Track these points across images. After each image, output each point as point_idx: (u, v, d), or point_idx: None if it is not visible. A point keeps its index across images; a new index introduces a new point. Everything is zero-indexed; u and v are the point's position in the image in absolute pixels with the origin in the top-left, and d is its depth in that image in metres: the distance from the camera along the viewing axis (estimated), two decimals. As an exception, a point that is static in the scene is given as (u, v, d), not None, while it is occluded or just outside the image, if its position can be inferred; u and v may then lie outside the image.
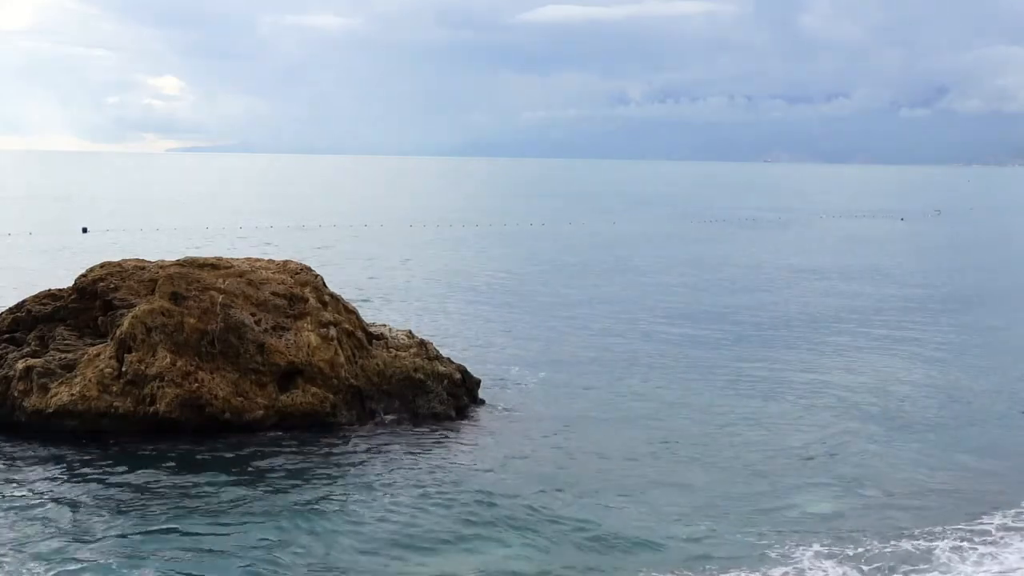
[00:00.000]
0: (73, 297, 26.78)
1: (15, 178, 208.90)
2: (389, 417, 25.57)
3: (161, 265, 26.78)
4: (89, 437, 23.12)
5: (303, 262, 28.53)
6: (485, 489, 20.63)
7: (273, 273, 26.48)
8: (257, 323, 24.73)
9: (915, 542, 18.72)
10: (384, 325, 28.99)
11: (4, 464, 21.80)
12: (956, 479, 22.30)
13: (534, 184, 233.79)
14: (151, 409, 23.22)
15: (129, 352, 23.94)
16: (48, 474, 21.17)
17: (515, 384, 29.59)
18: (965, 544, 18.76)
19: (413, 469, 21.95)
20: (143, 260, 27.99)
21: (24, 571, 16.49)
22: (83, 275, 27.13)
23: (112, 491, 20.24)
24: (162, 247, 58.93)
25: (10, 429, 23.87)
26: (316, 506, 19.64)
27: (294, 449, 23.12)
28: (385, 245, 71.72)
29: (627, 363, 33.09)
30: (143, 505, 19.49)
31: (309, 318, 25.38)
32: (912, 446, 24.48)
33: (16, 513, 18.94)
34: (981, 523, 19.73)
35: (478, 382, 28.29)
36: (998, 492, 21.50)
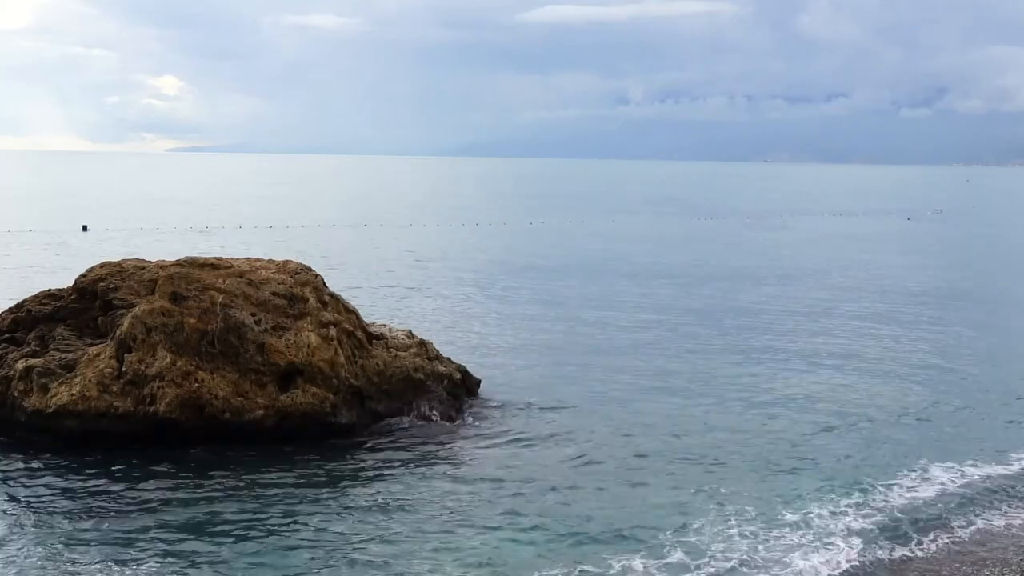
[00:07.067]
0: (73, 297, 26.77)
1: (15, 177, 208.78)
2: (389, 417, 25.57)
3: (161, 265, 26.77)
4: (88, 437, 23.10)
5: (303, 262, 28.53)
6: (486, 488, 20.66)
7: (273, 273, 26.48)
8: (257, 323, 24.72)
9: (915, 542, 18.80)
10: (384, 325, 28.99)
11: (3, 464, 21.81)
12: (961, 475, 22.45)
13: (534, 184, 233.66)
14: (151, 409, 23.20)
15: (129, 352, 23.93)
16: (47, 474, 21.17)
17: (516, 383, 29.59)
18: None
19: (413, 469, 21.96)
20: (143, 260, 27.98)
21: (22, 570, 16.50)
22: (83, 275, 27.11)
23: (112, 491, 20.24)
24: (162, 247, 58.98)
25: (10, 429, 23.87)
26: (315, 506, 19.65)
27: (293, 449, 23.13)
28: (385, 245, 71.73)
29: (628, 361, 33.09)
30: (143, 505, 19.50)
31: (309, 318, 25.37)
32: (912, 444, 24.57)
33: (15, 513, 18.95)
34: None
35: (478, 382, 28.30)
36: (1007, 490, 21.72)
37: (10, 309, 27.32)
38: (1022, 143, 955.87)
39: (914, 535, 19.07)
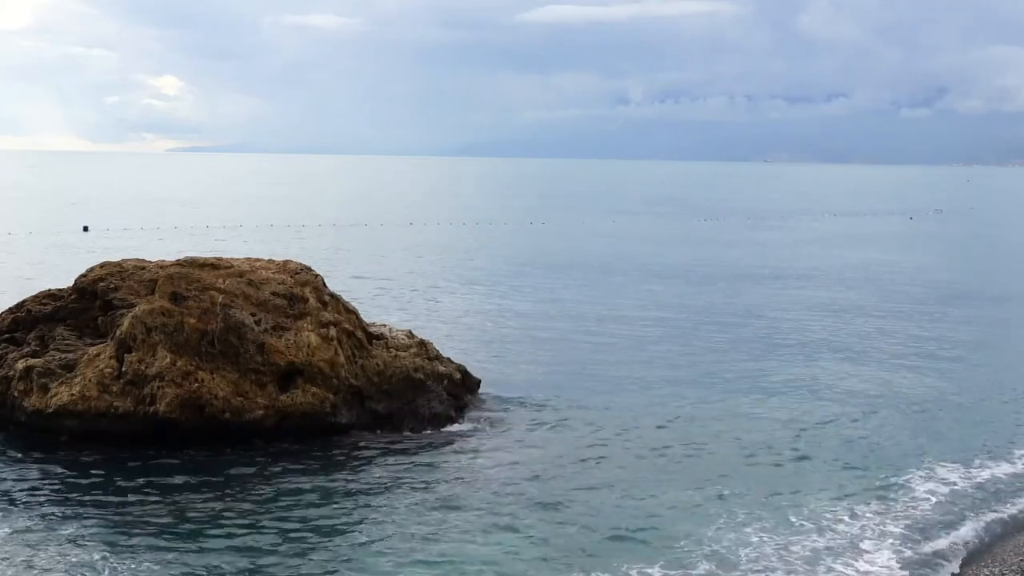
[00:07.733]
0: (73, 297, 26.75)
1: (15, 177, 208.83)
2: (389, 417, 25.54)
3: (161, 265, 26.76)
4: (88, 437, 23.09)
5: (303, 262, 28.52)
6: (490, 490, 20.63)
7: (273, 273, 26.46)
8: (257, 323, 24.71)
9: (919, 543, 18.80)
10: (384, 325, 28.97)
11: (3, 464, 21.79)
12: (965, 475, 22.49)
13: (534, 184, 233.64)
14: (151, 409, 23.19)
15: (129, 352, 23.92)
16: (47, 474, 21.15)
17: (516, 383, 29.57)
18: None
19: (413, 469, 21.94)
20: (143, 260, 27.97)
21: (22, 570, 16.49)
22: (83, 275, 27.10)
23: (112, 492, 20.23)
24: (163, 246, 58.96)
25: (10, 429, 23.88)
26: (315, 507, 19.63)
27: (293, 449, 23.13)
28: (385, 244, 71.73)
29: (630, 360, 33.09)
30: (142, 505, 19.48)
31: (309, 318, 25.36)
32: (917, 443, 24.58)
33: (15, 513, 18.93)
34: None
35: (478, 381, 28.28)
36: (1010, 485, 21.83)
37: (10, 309, 27.31)
38: (1022, 143, 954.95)
39: (918, 535, 19.06)
